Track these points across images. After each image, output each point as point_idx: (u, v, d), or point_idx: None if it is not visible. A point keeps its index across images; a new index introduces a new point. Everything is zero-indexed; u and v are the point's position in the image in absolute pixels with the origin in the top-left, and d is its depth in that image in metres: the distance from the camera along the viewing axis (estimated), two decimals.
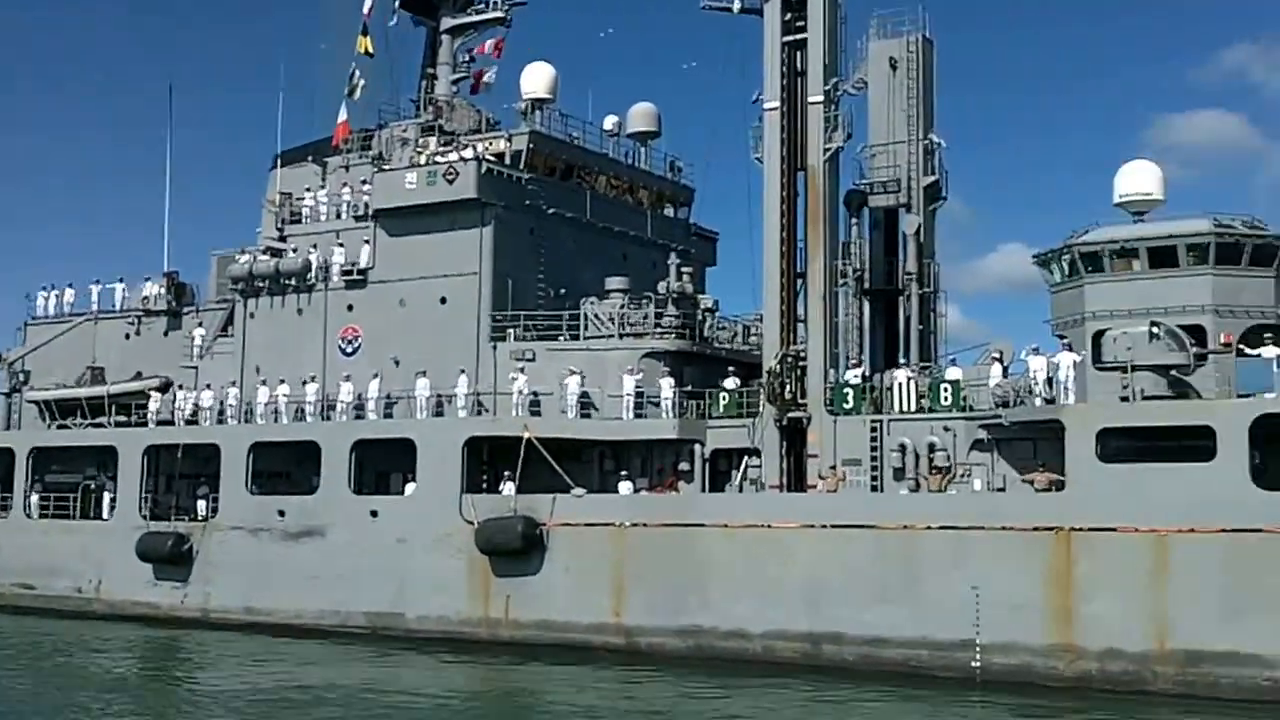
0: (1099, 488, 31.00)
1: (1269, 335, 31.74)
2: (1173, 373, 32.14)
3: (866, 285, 40.52)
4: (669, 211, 50.30)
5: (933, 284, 40.68)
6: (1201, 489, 29.73)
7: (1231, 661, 29.10)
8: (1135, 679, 29.98)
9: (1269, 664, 28.73)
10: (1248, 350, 31.85)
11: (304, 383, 43.83)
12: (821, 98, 38.40)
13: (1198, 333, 32.59)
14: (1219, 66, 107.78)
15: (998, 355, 35.79)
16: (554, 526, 37.51)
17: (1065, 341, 34.29)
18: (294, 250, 45.87)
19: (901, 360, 38.14)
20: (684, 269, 42.18)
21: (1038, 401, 33.33)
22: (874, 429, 35.97)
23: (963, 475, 34.73)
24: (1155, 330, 32.01)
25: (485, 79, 49.47)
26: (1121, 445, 31.39)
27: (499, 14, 48.34)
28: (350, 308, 44.50)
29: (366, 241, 44.23)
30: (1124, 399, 32.01)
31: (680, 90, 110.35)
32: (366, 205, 44.55)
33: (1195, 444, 30.12)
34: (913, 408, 35.87)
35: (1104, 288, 33.94)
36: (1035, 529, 31.43)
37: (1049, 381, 33.41)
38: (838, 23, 39.35)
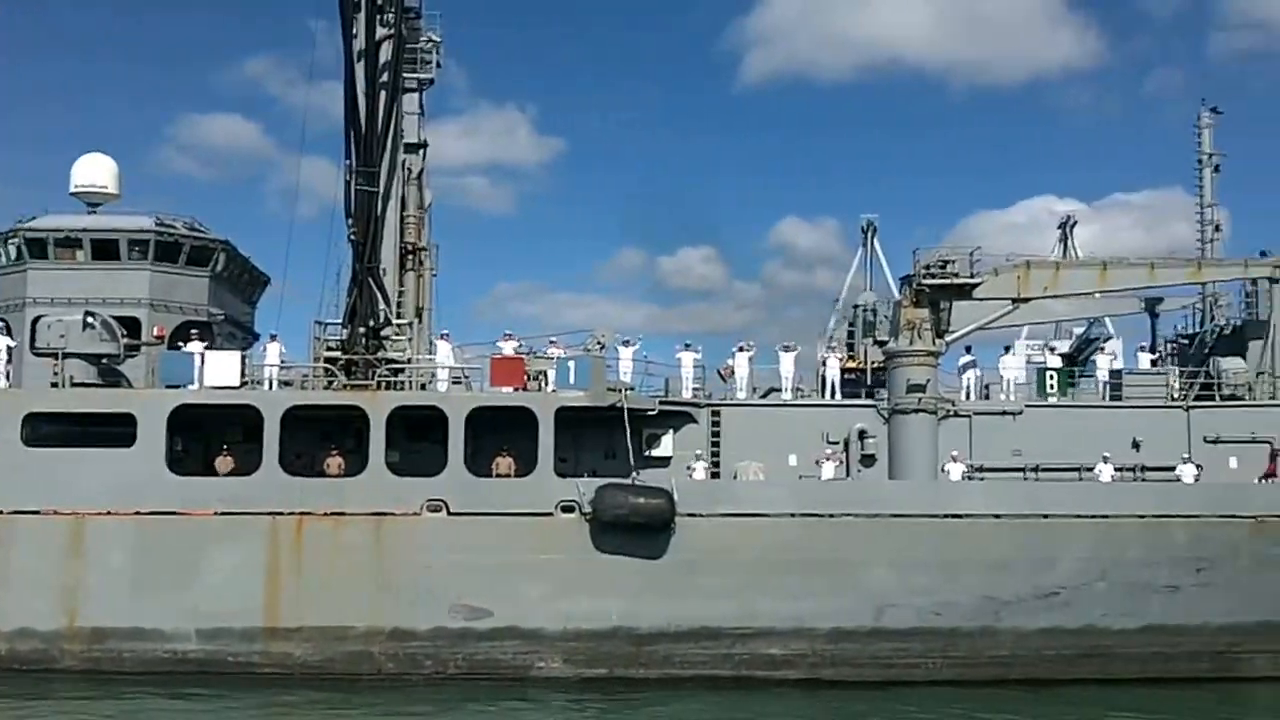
0: (23, 472, 31.42)
1: (196, 331, 34.49)
2: (105, 361, 33.56)
3: None
4: None
5: None
6: (121, 474, 31.38)
7: (136, 636, 31.04)
8: (45, 657, 30.86)
9: (169, 637, 31.04)
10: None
11: None
12: None
13: (134, 325, 34.44)
14: (240, 74, 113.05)
15: None
16: None
17: (3, 325, 34.31)
18: None
19: None
20: None
21: None
22: None
23: None
24: (89, 320, 33.20)
25: None
26: (53, 430, 32.10)
27: None
28: None
29: None
30: (55, 384, 32.79)
31: None
32: None
33: (123, 430, 31.73)
34: None
35: (47, 275, 34.76)
36: None
37: None
38: None
